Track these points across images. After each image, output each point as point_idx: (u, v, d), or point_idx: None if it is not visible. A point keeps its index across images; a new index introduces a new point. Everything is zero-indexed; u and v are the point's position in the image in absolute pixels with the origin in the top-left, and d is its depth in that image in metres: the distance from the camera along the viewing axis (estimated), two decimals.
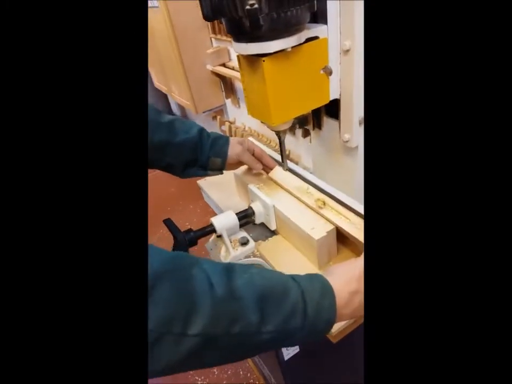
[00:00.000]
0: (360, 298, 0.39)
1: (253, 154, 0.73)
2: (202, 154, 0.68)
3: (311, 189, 0.67)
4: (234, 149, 0.70)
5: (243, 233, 0.70)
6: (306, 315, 0.35)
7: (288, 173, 0.73)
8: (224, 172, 0.74)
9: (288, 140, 1.05)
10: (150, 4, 1.36)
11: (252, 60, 0.53)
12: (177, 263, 0.32)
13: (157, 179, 2.45)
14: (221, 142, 0.70)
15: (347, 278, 0.39)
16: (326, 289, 0.38)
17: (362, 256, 0.42)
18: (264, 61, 0.51)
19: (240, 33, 0.50)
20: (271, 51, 0.50)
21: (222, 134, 0.72)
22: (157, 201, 2.06)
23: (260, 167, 0.73)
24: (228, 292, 0.32)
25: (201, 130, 0.69)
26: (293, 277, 0.38)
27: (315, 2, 0.50)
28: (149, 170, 0.59)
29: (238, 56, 0.57)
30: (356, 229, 0.57)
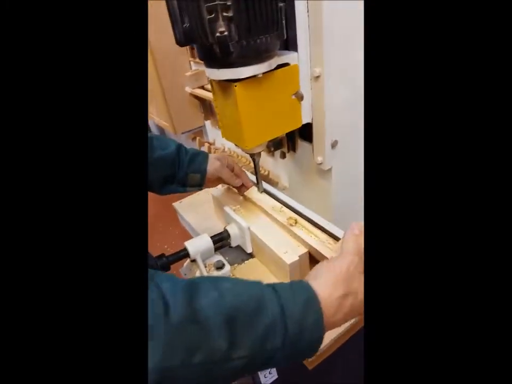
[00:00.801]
0: (351, 301, 0.35)
1: (232, 171, 0.73)
2: (181, 170, 0.68)
3: (284, 208, 0.68)
4: (213, 164, 0.70)
5: (218, 257, 0.68)
6: (287, 333, 0.31)
7: (263, 194, 0.73)
8: (203, 188, 0.73)
9: (268, 161, 1.06)
10: None
11: (224, 85, 0.54)
12: None
13: None
14: (199, 158, 0.69)
15: (334, 281, 0.35)
16: (310, 302, 0.34)
17: (342, 253, 0.39)
18: (236, 86, 0.52)
19: (212, 59, 0.51)
20: (243, 77, 0.51)
21: (200, 150, 0.72)
22: None
23: (240, 183, 0.73)
24: (188, 314, 0.28)
25: (179, 146, 0.69)
26: (275, 288, 0.34)
27: (284, 31, 0.51)
28: None
29: (210, 81, 0.58)
30: (325, 247, 0.57)
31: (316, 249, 0.57)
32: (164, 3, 0.49)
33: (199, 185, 0.71)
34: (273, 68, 0.54)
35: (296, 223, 0.64)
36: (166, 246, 1.87)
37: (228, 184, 0.74)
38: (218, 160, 0.71)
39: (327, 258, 0.55)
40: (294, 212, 0.67)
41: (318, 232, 0.61)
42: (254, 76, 0.52)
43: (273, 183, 1.17)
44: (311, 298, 0.34)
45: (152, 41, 1.31)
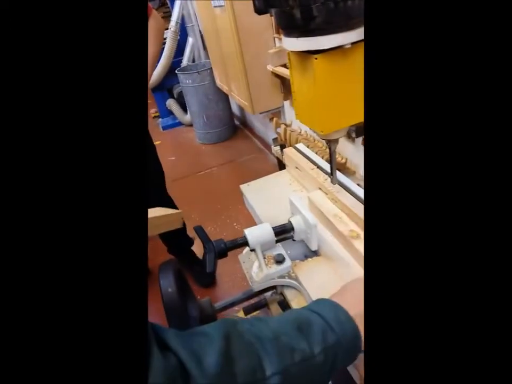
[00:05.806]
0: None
1: None
2: None
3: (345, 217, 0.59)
4: None
5: (280, 249, 0.63)
6: (333, 329, 0.37)
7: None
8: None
9: (347, 146, 0.96)
10: (216, 3, 1.36)
11: (303, 58, 0.47)
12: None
13: (214, 175, 2.50)
14: None
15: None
16: (334, 305, 0.40)
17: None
18: (316, 58, 0.44)
19: (291, 27, 0.44)
20: (326, 47, 0.43)
21: None
22: (215, 196, 2.18)
23: None
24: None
25: None
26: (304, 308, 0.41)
27: None
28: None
29: (288, 53, 0.51)
30: None
31: None
32: None
33: None
34: (362, 37, 0.44)
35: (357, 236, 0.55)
36: (234, 224, 1.90)
37: None
38: None
39: None
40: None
41: None
42: (340, 47, 0.44)
43: (350, 173, 1.06)
44: (333, 303, 0.41)
45: (237, 18, 1.28)
